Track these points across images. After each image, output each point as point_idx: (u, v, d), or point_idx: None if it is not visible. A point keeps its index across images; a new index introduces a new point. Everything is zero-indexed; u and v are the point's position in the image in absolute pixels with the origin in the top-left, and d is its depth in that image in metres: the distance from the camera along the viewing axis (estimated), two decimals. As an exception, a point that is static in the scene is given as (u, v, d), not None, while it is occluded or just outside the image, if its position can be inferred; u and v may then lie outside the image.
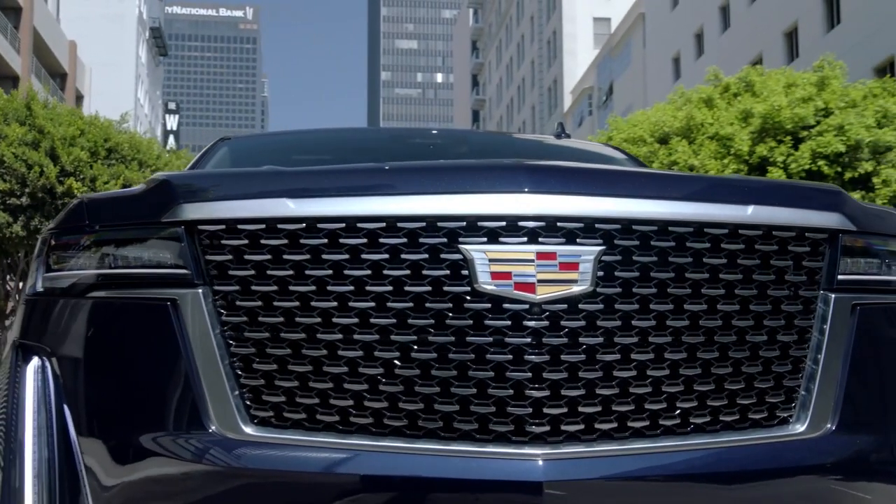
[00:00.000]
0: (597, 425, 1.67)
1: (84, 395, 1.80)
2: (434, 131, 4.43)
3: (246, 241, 1.72)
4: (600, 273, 1.68)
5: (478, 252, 1.66)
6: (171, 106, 75.47)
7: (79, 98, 46.76)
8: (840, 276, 1.86)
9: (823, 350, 1.81)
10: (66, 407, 1.80)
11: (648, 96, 44.15)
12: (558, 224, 1.68)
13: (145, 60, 65.15)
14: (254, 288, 1.70)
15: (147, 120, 64.57)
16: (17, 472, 1.78)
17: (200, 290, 1.72)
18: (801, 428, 1.77)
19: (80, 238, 1.90)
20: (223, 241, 1.73)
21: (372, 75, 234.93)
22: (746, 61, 34.53)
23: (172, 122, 74.19)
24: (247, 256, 1.71)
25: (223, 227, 1.73)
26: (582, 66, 59.92)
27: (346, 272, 1.68)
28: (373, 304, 1.67)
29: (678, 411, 1.71)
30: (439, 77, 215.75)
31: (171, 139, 72.13)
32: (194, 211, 1.75)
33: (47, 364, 1.85)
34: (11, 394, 1.86)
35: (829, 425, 1.78)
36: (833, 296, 1.84)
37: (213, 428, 1.67)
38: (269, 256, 1.70)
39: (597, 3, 60.98)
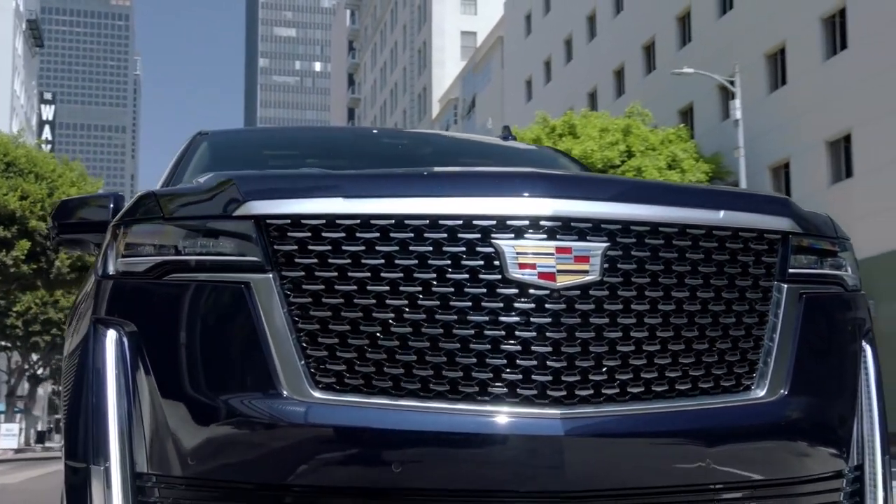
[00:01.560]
0: (603, 390, 1.97)
1: (168, 362, 2.00)
2: (402, 132, 4.85)
3: (309, 234, 1.97)
4: (606, 265, 1.99)
5: (507, 246, 1.96)
6: (47, 96, 75.65)
7: (-42, 94, 47.80)
8: (790, 270, 2.21)
9: (778, 330, 2.16)
10: (148, 372, 2.01)
11: (505, 113, 48.21)
12: (572, 224, 1.99)
13: (21, 52, 65.65)
14: (316, 273, 1.96)
15: (23, 111, 65.11)
16: (102, 428, 2.01)
17: (270, 275, 1.97)
18: (761, 393, 2.12)
19: (154, 227, 2.10)
20: (289, 234, 1.98)
21: (249, 61, 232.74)
22: (585, 92, 39.40)
23: (48, 112, 74.39)
24: (310, 247, 1.97)
25: (289, 221, 1.98)
26: (449, 77, 63.70)
27: (397, 261, 1.95)
28: (419, 288, 1.95)
29: (666, 379, 2.04)
30: (317, 66, 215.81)
31: (47, 129, 72.51)
32: (263, 207, 2.00)
33: (125, 336, 2.04)
34: (94, 362, 2.06)
35: (782, 391, 2.13)
36: (785, 286, 2.19)
37: (286, 392, 1.92)
38: (329, 247, 1.96)
39: (464, 18, 64.85)
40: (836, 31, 24.89)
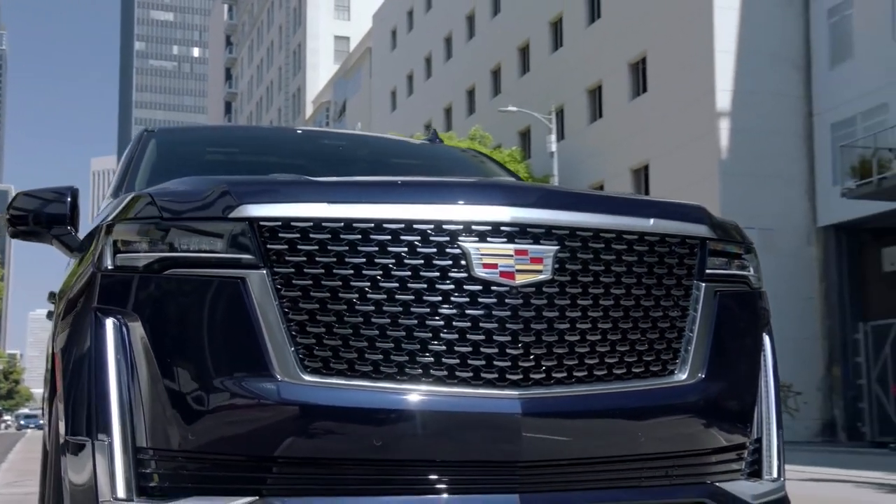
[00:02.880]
0: (553, 374, 2.23)
1: (168, 348, 2.16)
2: (344, 134, 5.03)
3: (298, 235, 2.16)
4: (556, 266, 2.23)
5: (473, 248, 2.18)
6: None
7: None
8: (707, 271, 2.49)
9: (697, 323, 2.44)
10: (149, 357, 2.16)
11: (373, 120, 51.38)
12: (528, 229, 2.23)
13: None
14: (305, 270, 2.14)
15: None
16: (104, 405, 2.16)
17: (263, 271, 2.14)
18: (683, 377, 2.40)
19: (153, 226, 2.24)
20: (279, 234, 2.16)
21: (125, 44, 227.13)
22: (441, 108, 42.96)
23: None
24: (299, 246, 2.15)
25: (279, 223, 2.17)
26: (323, 80, 65.99)
27: (376, 260, 2.16)
28: (396, 284, 2.16)
29: (605, 365, 2.31)
30: (196, 51, 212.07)
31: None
32: (256, 210, 2.18)
33: (124, 325, 2.20)
34: (96, 347, 2.21)
35: (700, 374, 2.42)
36: (703, 284, 2.47)
37: (279, 376, 2.11)
38: (316, 247, 2.15)
39: (338, 23, 67.15)
40: (639, 76, 29.23)
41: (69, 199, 3.10)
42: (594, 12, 31.68)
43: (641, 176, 28.81)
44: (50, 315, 4.60)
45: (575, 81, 31.94)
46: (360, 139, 4.91)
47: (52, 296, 4.20)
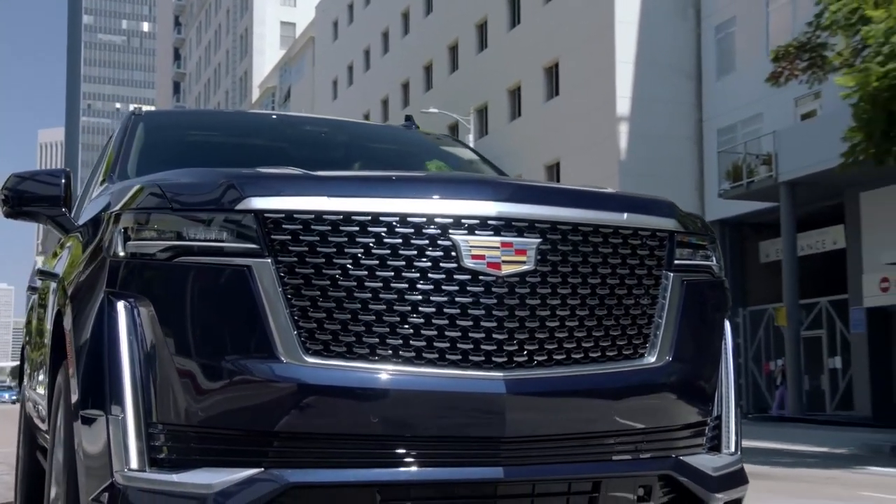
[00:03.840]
0: (535, 357, 2.40)
1: (178, 331, 2.31)
2: (326, 120, 5.16)
3: (300, 227, 2.31)
4: (538, 257, 2.41)
5: (462, 240, 2.35)
6: None
7: None
8: (675, 262, 2.68)
9: (666, 310, 2.63)
10: (160, 339, 2.31)
11: (315, 107, 53.07)
12: (513, 223, 2.40)
13: None
14: (307, 260, 2.30)
15: None
16: (117, 383, 2.31)
17: (269, 260, 2.29)
18: (652, 360, 2.59)
19: (163, 216, 2.38)
20: (283, 226, 2.31)
21: (73, 17, 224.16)
22: (379, 98, 44.94)
23: None
24: (301, 237, 2.31)
25: (283, 215, 2.32)
26: (269, 64, 67.31)
27: (373, 251, 2.32)
28: (392, 273, 2.31)
29: (582, 349, 2.49)
30: (146, 26, 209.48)
31: None
32: (261, 203, 2.33)
33: (136, 308, 2.34)
34: (109, 328, 2.35)
35: (668, 357, 2.61)
36: (672, 274, 2.66)
37: (283, 358, 2.27)
38: (317, 238, 2.30)
39: (284, 10, 68.44)
40: (553, 80, 31.63)
41: (63, 181, 3.19)
42: (514, 17, 33.96)
43: (554, 173, 31.26)
44: (32, 289, 4.94)
45: (497, 81, 34.20)
46: (342, 125, 4.99)
47: (38, 272, 4.34)
